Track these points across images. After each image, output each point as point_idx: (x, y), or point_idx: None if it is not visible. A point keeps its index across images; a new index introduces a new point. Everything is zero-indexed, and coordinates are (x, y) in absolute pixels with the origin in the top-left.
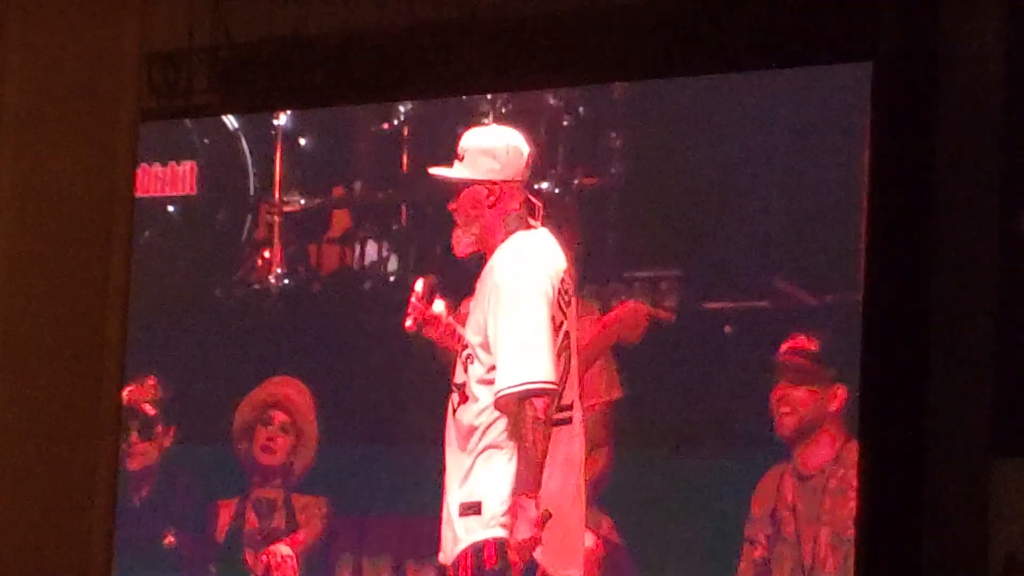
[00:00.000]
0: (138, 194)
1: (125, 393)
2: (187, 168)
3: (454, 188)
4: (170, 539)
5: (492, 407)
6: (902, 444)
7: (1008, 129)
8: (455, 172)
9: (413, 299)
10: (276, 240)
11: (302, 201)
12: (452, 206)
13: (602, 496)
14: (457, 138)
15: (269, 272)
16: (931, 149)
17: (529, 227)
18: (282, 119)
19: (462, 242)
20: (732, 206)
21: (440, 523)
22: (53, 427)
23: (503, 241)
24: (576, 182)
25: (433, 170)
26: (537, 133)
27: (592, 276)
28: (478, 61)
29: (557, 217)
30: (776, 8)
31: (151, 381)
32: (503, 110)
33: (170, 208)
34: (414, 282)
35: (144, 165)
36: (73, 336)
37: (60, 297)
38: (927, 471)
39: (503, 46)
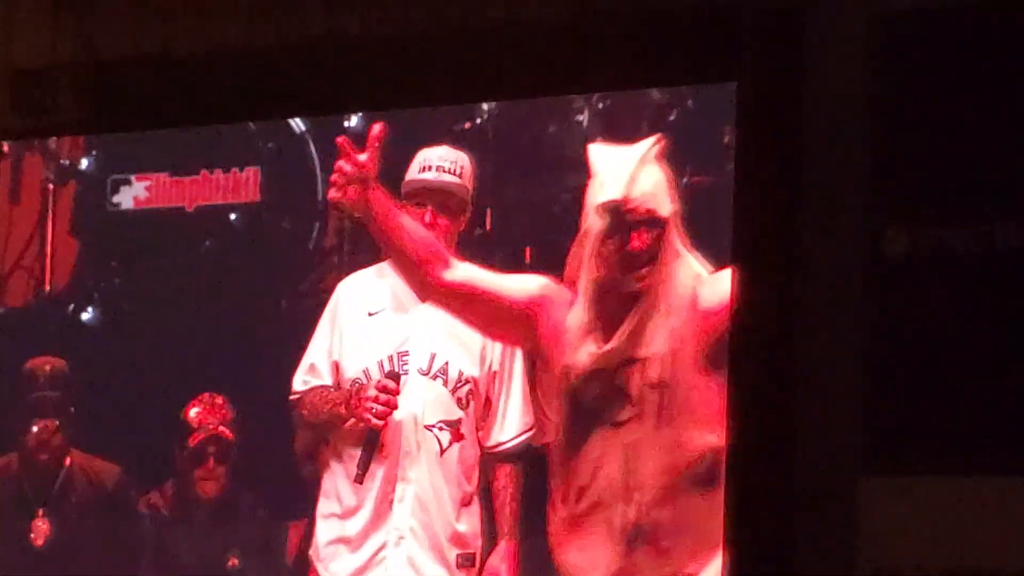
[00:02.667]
0: (199, 203)
1: (194, 414)
2: (250, 174)
3: (452, 206)
4: (234, 562)
5: (483, 449)
6: (771, 463)
7: (873, 150)
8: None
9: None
10: (347, 247)
11: None
12: (439, 223)
13: None
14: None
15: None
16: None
17: None
18: (353, 120)
19: None
20: None
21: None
22: None
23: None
24: (685, 180)
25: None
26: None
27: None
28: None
29: None
30: None
31: (219, 400)
32: (599, 106)
33: (232, 216)
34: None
35: (205, 172)
36: None
37: None
38: (795, 490)
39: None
